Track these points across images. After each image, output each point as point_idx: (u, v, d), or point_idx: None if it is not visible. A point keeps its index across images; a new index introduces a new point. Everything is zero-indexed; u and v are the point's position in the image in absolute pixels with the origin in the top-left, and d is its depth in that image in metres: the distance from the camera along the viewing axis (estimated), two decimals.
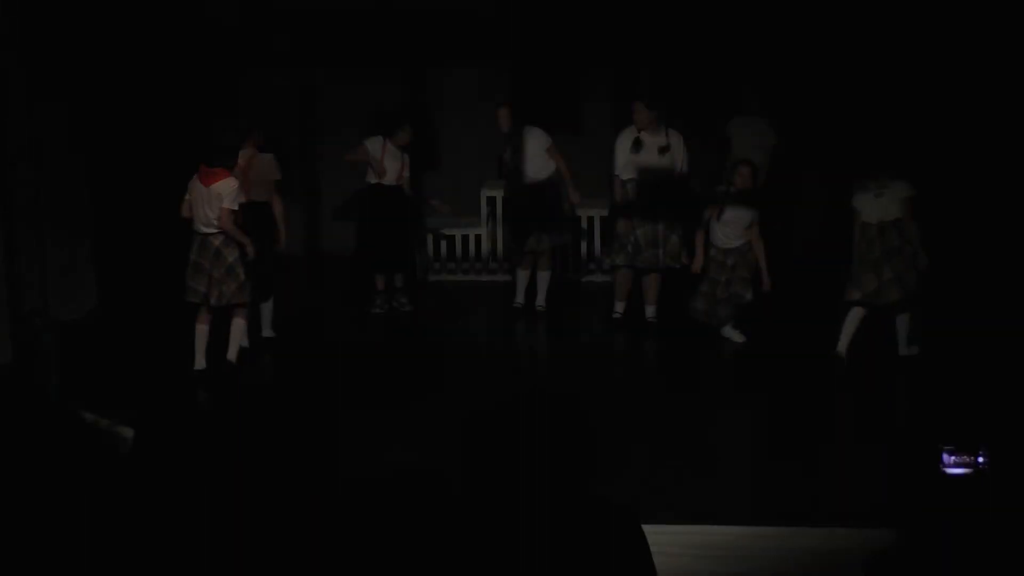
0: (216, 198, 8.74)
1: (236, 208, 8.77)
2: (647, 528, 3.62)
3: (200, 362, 9.07)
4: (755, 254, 9.66)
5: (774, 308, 9.83)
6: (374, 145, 10.48)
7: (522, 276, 10.86)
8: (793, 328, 9.83)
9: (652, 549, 3.59)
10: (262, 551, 3.61)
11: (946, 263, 9.37)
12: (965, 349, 9.03)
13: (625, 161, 10.15)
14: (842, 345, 9.25)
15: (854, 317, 9.23)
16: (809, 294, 10.30)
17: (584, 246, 11.87)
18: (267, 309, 9.82)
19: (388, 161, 10.47)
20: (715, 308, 9.78)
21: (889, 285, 9.08)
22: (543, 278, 10.82)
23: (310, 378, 9.27)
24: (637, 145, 10.11)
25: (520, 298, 10.87)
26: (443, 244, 12.06)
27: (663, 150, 10.08)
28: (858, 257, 9.17)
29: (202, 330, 9.04)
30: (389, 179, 10.51)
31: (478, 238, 12.08)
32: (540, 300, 10.83)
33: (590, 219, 11.75)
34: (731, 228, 9.66)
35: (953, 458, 6.39)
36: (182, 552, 3.58)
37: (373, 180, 10.52)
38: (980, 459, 6.43)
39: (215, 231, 8.82)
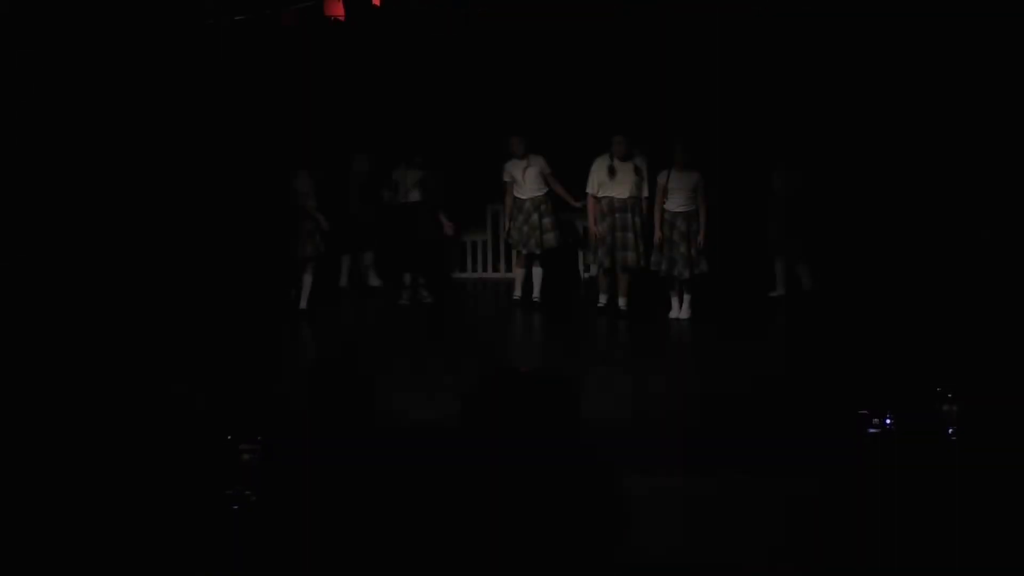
0: None
1: None
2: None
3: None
4: (703, 218, 12.10)
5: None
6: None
7: (519, 274, 13.23)
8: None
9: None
10: None
11: None
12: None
13: (600, 183, 12.47)
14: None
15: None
16: None
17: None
18: (307, 282, 12.45)
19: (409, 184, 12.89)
20: (672, 265, 12.13)
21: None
22: (537, 275, 13.15)
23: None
24: (612, 172, 12.45)
25: (518, 292, 13.19)
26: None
27: (636, 172, 12.43)
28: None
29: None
30: (412, 197, 12.92)
31: (484, 244, 14.43)
32: (536, 293, 13.17)
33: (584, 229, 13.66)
34: (677, 195, 12.07)
35: (869, 419, 8.19)
36: None
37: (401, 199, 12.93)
38: (888, 420, 8.31)
39: None
